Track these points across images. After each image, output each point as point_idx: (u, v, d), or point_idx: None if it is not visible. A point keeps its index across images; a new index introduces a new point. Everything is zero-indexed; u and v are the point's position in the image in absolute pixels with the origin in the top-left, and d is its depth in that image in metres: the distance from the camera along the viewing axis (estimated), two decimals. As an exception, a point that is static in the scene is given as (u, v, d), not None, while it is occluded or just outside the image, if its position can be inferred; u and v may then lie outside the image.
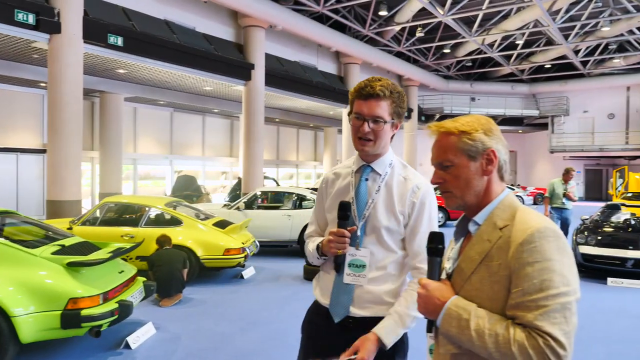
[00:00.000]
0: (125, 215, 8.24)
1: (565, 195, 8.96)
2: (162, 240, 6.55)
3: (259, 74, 15.29)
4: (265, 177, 17.99)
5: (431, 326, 1.36)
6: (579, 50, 23.22)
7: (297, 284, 7.46)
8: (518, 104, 29.40)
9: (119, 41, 11.35)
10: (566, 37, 20.54)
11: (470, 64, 26.43)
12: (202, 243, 7.14)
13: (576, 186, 9.41)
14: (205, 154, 22.10)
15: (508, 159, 1.40)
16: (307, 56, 18.91)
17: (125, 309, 4.42)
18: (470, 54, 23.73)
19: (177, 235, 7.08)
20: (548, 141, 29.25)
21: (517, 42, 21.41)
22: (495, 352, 1.18)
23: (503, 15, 18.87)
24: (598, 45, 22.89)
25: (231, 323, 5.44)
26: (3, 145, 14.28)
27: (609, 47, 23.36)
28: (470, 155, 1.35)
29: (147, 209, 7.54)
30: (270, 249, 10.14)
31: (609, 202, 11.65)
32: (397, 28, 19.55)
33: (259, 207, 10.39)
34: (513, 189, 23.09)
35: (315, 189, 12.26)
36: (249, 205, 9.98)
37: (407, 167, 2.00)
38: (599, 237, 8.02)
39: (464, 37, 20.36)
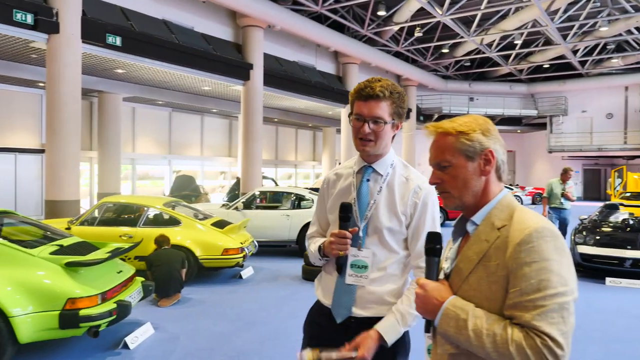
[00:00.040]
0: (124, 215, 8.23)
1: (564, 195, 8.96)
2: (161, 240, 6.55)
3: (257, 73, 15.28)
4: (264, 177, 17.98)
5: (429, 326, 1.36)
6: (577, 50, 23.25)
7: (296, 284, 7.46)
8: (516, 103, 29.43)
9: (118, 41, 11.34)
10: (564, 37, 20.57)
11: (468, 63, 26.46)
12: (201, 243, 7.14)
13: (574, 186, 9.42)
14: (204, 154, 22.09)
15: (506, 159, 1.40)
16: (305, 56, 18.91)
17: (123, 309, 4.42)
18: (468, 53, 23.75)
19: (176, 235, 7.08)
20: (546, 141, 29.28)
21: (515, 42, 21.45)
22: (493, 352, 1.18)
23: (501, 15, 18.89)
24: (596, 45, 22.93)
25: (230, 323, 5.44)
26: (1, 145, 14.26)
27: (607, 47, 23.41)
28: (468, 156, 1.35)
29: (145, 209, 7.53)
30: (269, 249, 10.14)
31: (607, 202, 11.66)
32: (396, 28, 19.56)
33: (257, 207, 10.38)
34: (512, 189, 23.11)
35: (313, 189, 12.26)
36: (248, 205, 9.98)
37: (408, 168, 2.00)
38: (598, 237, 8.03)
39: (462, 37, 20.38)
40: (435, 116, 27.87)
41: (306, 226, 9.40)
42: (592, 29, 20.42)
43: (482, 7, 17.16)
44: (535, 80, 29.10)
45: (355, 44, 19.83)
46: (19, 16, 9.40)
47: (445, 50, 23.73)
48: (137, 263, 6.68)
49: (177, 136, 20.75)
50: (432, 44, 21.99)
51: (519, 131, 31.21)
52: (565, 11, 17.72)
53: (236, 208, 9.76)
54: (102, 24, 11.07)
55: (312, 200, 9.81)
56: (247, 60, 15.19)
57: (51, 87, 10.07)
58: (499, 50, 22.85)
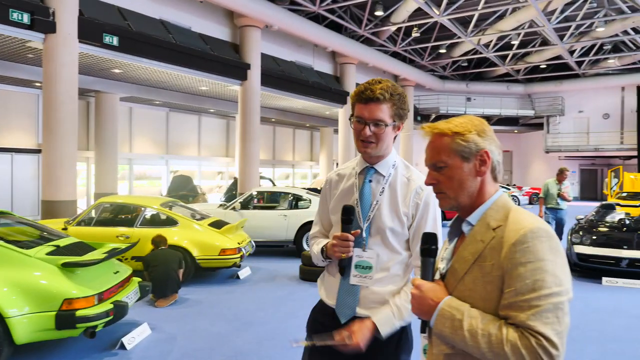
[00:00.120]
0: (121, 215, 8.22)
1: (560, 196, 8.98)
2: (158, 241, 6.54)
3: (255, 73, 15.28)
4: (261, 177, 17.98)
5: (425, 327, 1.36)
6: (574, 51, 23.31)
7: (293, 284, 7.46)
8: (513, 104, 29.50)
9: (115, 41, 11.32)
10: (561, 37, 20.62)
11: (465, 64, 26.50)
12: (198, 243, 7.13)
13: (570, 186, 9.44)
14: (201, 154, 22.07)
15: (501, 160, 1.41)
16: (303, 56, 18.91)
17: (120, 309, 4.41)
18: (466, 54, 23.79)
19: (173, 236, 7.07)
20: (543, 141, 29.36)
21: (512, 43, 21.49)
22: (488, 352, 1.19)
23: (498, 15, 18.92)
24: (593, 46, 23.00)
25: (227, 323, 5.44)
26: (-2, 145, 14.23)
27: (604, 47, 23.49)
28: (463, 156, 1.35)
29: (142, 209, 7.52)
30: (266, 249, 10.14)
31: (603, 202, 11.70)
32: (393, 28, 19.58)
33: (254, 207, 10.38)
34: (509, 189, 23.17)
35: (311, 189, 12.27)
36: (245, 205, 9.97)
37: (410, 168, 2.01)
38: (594, 237, 8.05)
39: (459, 37, 20.41)
40: (433, 116, 27.91)
41: (304, 226, 9.40)
42: (589, 29, 20.47)
43: (480, 7, 17.19)
44: (532, 80, 29.17)
45: (353, 44, 19.84)
46: (15, 15, 9.37)
47: (442, 51, 23.76)
48: (134, 263, 6.67)
49: (175, 136, 20.73)
50: (430, 44, 22.02)
51: (516, 131, 31.28)
52: (562, 12, 17.77)
53: (233, 208, 9.75)
54: (99, 24, 11.05)
55: (310, 200, 9.81)
56: (245, 60, 15.18)
57: (48, 87, 10.05)
58: (496, 51, 22.89)
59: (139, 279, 5.27)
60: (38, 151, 14.17)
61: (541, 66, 26.76)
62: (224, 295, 6.74)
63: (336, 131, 23.04)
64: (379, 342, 1.87)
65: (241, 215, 9.37)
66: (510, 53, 23.71)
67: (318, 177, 26.17)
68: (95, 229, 7.32)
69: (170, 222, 7.41)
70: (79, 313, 4.04)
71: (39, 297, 4.00)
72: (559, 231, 9.04)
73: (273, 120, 23.05)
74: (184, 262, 6.58)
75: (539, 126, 30.11)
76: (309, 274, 7.48)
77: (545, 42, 22.38)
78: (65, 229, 7.13)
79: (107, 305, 4.29)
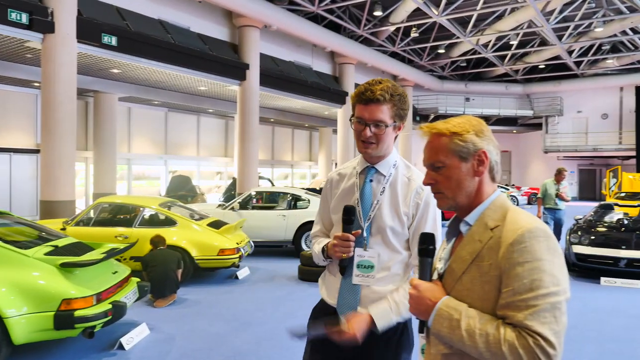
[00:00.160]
0: (119, 215, 8.21)
1: (558, 196, 8.99)
2: (156, 241, 6.54)
3: (253, 74, 15.27)
4: (260, 177, 17.97)
5: (423, 326, 1.36)
6: (572, 51, 23.34)
7: (292, 284, 7.45)
8: (512, 104, 29.52)
9: (113, 41, 11.31)
10: (560, 37, 20.64)
11: (464, 64, 26.51)
12: (197, 243, 7.13)
13: (569, 186, 9.45)
14: (200, 154, 22.06)
15: (499, 160, 1.41)
16: (302, 56, 18.90)
17: (119, 309, 4.41)
18: (464, 54, 23.80)
19: (172, 236, 7.06)
20: (542, 141, 29.39)
21: (511, 43, 21.50)
22: (485, 352, 1.19)
23: (497, 15, 18.94)
24: (591, 46, 23.03)
25: (226, 323, 5.44)
26: (-4, 145, 14.21)
27: (603, 47, 23.50)
28: (461, 157, 1.36)
29: (141, 209, 7.52)
30: (265, 249, 10.14)
31: (602, 202, 11.71)
32: (392, 28, 19.59)
33: (253, 207, 10.38)
34: (507, 189, 23.19)
35: (310, 189, 12.27)
36: (244, 205, 9.97)
37: (410, 168, 2.02)
38: (593, 237, 8.06)
39: (458, 38, 20.42)
40: (432, 116, 27.93)
41: (302, 226, 9.40)
42: (588, 29, 20.49)
43: (478, 7, 17.21)
44: (531, 80, 29.20)
45: (352, 44, 19.84)
46: (13, 15, 9.36)
47: (441, 51, 23.77)
48: (133, 263, 6.65)
49: (173, 136, 20.71)
50: (428, 44, 22.03)
51: (514, 131, 31.31)
52: (561, 12, 17.79)
53: (232, 208, 9.75)
54: (97, 24, 11.04)
55: (308, 200, 9.81)
56: (243, 60, 15.18)
57: (46, 87, 10.03)
58: (494, 51, 22.91)
59: (138, 279, 5.27)
60: (36, 151, 14.16)
61: (540, 66, 26.79)
62: (222, 295, 6.73)
63: (335, 131, 23.05)
64: (380, 340, 1.87)
65: (240, 216, 9.37)
66: (509, 53, 23.72)
67: (317, 177, 26.17)
68: (93, 229, 7.31)
69: (169, 222, 7.41)
70: (77, 313, 4.04)
71: (37, 298, 4.00)
72: (558, 231, 9.05)
73: (272, 120, 23.05)
74: (182, 262, 6.57)
75: (538, 126, 30.14)
76: (308, 274, 7.48)
77: (543, 43, 22.40)
78: (63, 229, 7.12)
79: (105, 306, 4.28)
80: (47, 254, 4.36)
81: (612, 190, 19.75)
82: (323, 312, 2.04)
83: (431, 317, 1.30)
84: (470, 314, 1.24)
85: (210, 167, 23.00)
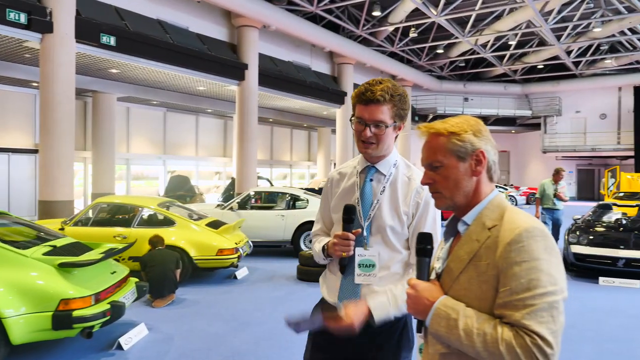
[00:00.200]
0: (118, 215, 8.21)
1: (556, 196, 9.00)
2: (155, 241, 6.53)
3: (252, 74, 15.27)
4: (259, 177, 17.97)
5: (420, 326, 1.37)
6: (571, 51, 23.37)
7: (291, 284, 7.45)
8: (511, 104, 29.55)
9: (112, 41, 11.30)
10: (558, 37, 20.67)
11: (463, 64, 26.54)
12: (195, 243, 7.13)
13: (567, 186, 9.45)
14: (199, 154, 22.05)
15: (497, 160, 1.42)
16: (300, 56, 18.91)
17: (117, 309, 4.41)
18: (463, 54, 23.83)
19: (170, 236, 7.06)
20: (541, 141, 29.43)
21: (509, 43, 21.52)
22: (483, 351, 1.19)
23: (496, 15, 18.97)
24: (590, 46, 23.05)
25: (224, 323, 5.43)
26: (-6, 145, 14.19)
27: (601, 47, 23.53)
28: (459, 156, 1.36)
29: (139, 209, 7.51)
30: (264, 249, 10.14)
31: (600, 202, 11.72)
32: (391, 28, 19.60)
33: (252, 207, 10.38)
34: (506, 189, 23.21)
35: (308, 189, 12.27)
36: (243, 205, 9.97)
37: (411, 167, 2.03)
38: (591, 237, 8.08)
39: (457, 38, 20.44)
40: (430, 116, 27.95)
41: (301, 226, 9.40)
42: (586, 29, 20.53)
43: (477, 7, 17.22)
44: (530, 80, 29.23)
45: (350, 44, 19.84)
46: (12, 15, 9.35)
47: (440, 51, 23.79)
48: (131, 263, 6.65)
49: (172, 136, 20.70)
50: (427, 45, 22.05)
51: (513, 131, 31.34)
52: (559, 12, 17.81)
53: (231, 208, 9.74)
54: (96, 24, 11.04)
55: (307, 200, 9.80)
56: (242, 61, 15.18)
57: (45, 87, 10.03)
58: (493, 51, 22.93)
59: (136, 279, 5.26)
60: (35, 151, 14.14)
61: (538, 66, 26.82)
62: (221, 295, 6.73)
63: (334, 131, 23.06)
64: (380, 339, 1.88)
65: (239, 216, 9.37)
66: (508, 53, 23.75)
67: (315, 177, 26.16)
68: (92, 229, 7.30)
69: (168, 222, 7.40)
70: (75, 313, 4.04)
71: (35, 298, 3.99)
72: (556, 231, 9.05)
73: (271, 120, 23.05)
74: (181, 262, 6.56)
75: (537, 126, 30.17)
76: (307, 274, 7.48)
77: (542, 43, 22.43)
78: (62, 229, 7.11)
79: (104, 306, 4.28)
80: (45, 254, 4.35)
81: (611, 190, 19.79)
82: (323, 311, 2.04)
83: (429, 317, 1.30)
84: (468, 313, 1.24)
85: (209, 167, 22.99)
